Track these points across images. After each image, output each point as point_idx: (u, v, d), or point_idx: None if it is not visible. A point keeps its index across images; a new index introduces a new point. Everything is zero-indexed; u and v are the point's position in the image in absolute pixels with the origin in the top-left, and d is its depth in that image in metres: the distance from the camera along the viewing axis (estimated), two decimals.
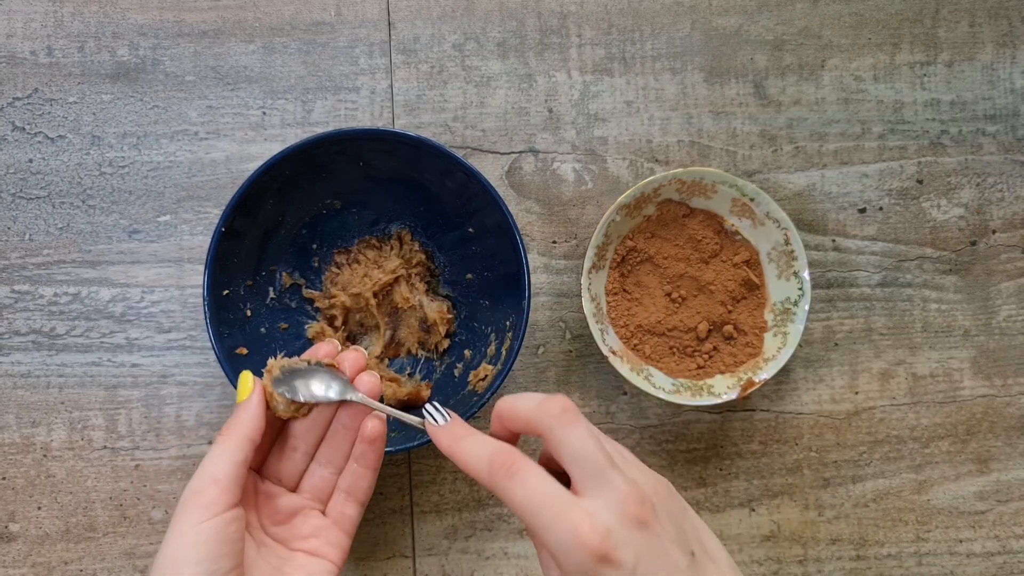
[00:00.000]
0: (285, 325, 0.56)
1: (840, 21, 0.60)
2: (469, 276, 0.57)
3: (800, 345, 0.58)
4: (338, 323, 0.56)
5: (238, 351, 0.51)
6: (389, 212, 0.57)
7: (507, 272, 0.52)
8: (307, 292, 0.57)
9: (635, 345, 0.56)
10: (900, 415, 0.59)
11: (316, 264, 0.57)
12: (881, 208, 0.60)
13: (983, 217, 0.60)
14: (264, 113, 0.58)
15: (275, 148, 0.57)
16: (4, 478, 0.55)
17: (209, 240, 0.49)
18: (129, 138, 0.57)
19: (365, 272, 0.56)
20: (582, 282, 0.54)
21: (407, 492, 0.56)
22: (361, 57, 0.58)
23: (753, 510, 0.58)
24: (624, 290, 0.57)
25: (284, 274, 0.56)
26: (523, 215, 0.58)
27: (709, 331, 0.57)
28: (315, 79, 0.58)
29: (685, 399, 0.54)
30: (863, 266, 0.59)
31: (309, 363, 0.43)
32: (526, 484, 0.34)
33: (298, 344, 0.56)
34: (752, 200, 0.55)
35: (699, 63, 0.59)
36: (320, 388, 0.42)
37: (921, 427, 0.59)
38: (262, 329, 0.54)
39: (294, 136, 0.58)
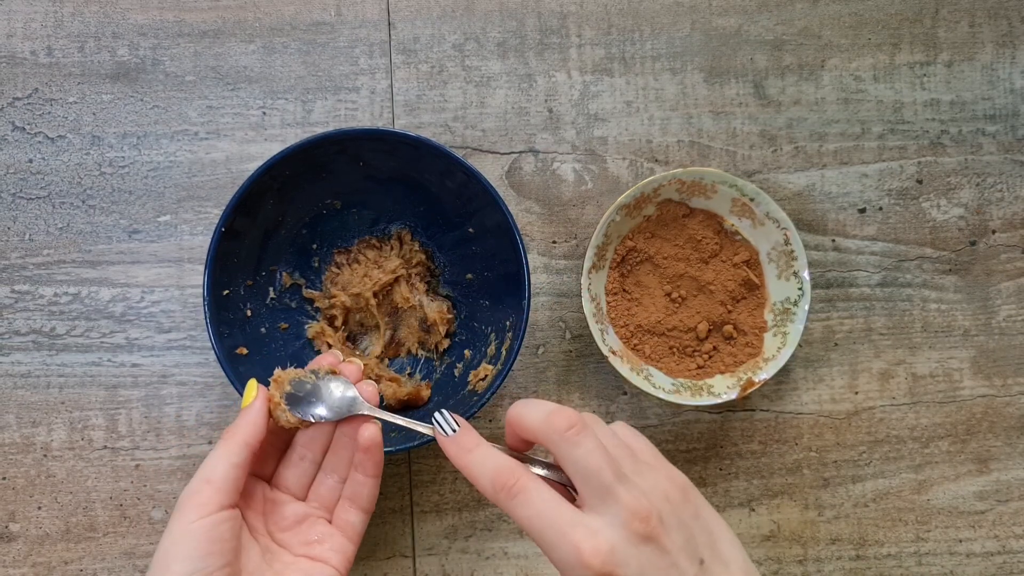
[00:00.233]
0: (285, 325, 0.56)
1: (840, 21, 0.60)
2: (469, 276, 0.57)
3: (800, 345, 0.58)
4: (338, 323, 0.56)
5: (238, 351, 0.51)
6: (389, 212, 0.57)
7: (507, 272, 0.52)
8: (307, 292, 0.57)
9: (635, 345, 0.56)
10: (900, 415, 0.59)
11: (316, 264, 0.57)
12: (881, 208, 0.60)
13: (983, 217, 0.60)
14: (264, 113, 0.58)
15: (275, 148, 0.57)
16: (4, 478, 0.55)
17: (209, 240, 0.49)
18: (129, 138, 0.57)
19: (365, 272, 0.56)
20: (582, 282, 0.54)
21: (407, 492, 0.57)
22: (361, 57, 0.58)
23: (753, 510, 0.58)
24: (624, 290, 0.57)
25: (284, 274, 0.56)
26: (523, 215, 0.58)
27: (709, 331, 0.57)
28: (315, 79, 0.58)
29: (685, 399, 0.54)
30: (863, 266, 0.59)
31: (316, 375, 0.44)
32: (529, 504, 0.34)
33: (298, 344, 0.56)
34: (752, 200, 0.55)
35: (699, 63, 0.59)
36: (326, 408, 0.43)
37: (921, 427, 0.59)
38: (262, 329, 0.54)
39: (294, 136, 0.58)
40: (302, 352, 0.56)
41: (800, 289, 0.55)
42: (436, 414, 0.40)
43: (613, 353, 0.54)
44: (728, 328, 0.57)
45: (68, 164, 0.57)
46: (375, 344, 0.56)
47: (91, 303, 0.56)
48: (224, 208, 0.49)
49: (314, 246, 0.57)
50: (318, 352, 0.56)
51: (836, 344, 0.59)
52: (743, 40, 0.60)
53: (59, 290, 0.56)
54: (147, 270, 0.57)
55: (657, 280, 0.57)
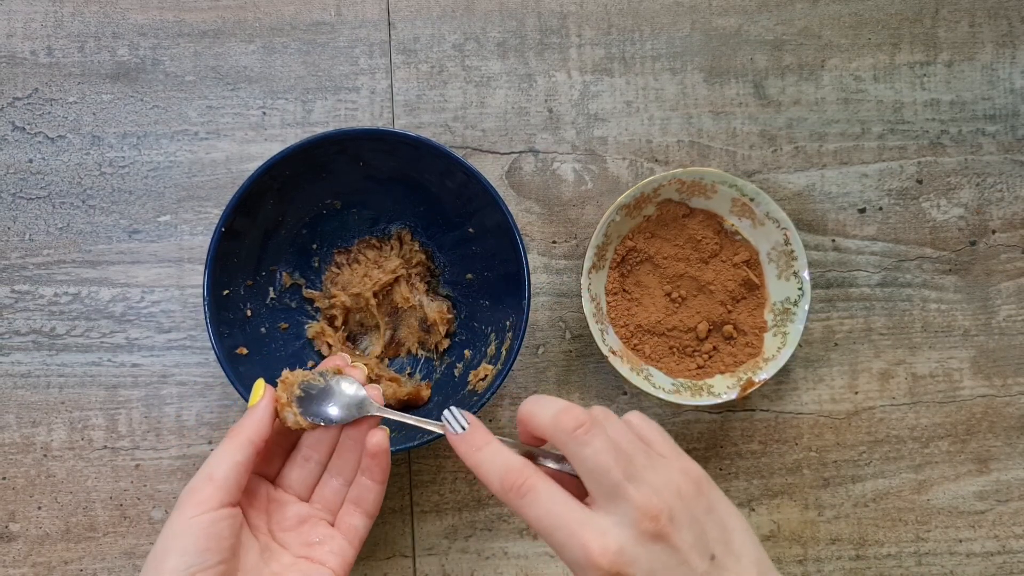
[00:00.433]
0: (285, 325, 0.56)
1: (840, 21, 0.60)
2: (469, 276, 0.57)
3: (800, 345, 0.58)
4: (338, 323, 0.56)
5: (238, 351, 0.51)
6: (389, 212, 0.57)
7: (507, 272, 0.52)
8: (307, 292, 0.57)
9: (635, 345, 0.56)
10: (900, 415, 0.59)
11: (316, 264, 0.57)
12: (881, 208, 0.60)
13: (983, 217, 0.60)
14: (264, 113, 0.58)
15: (275, 148, 0.57)
16: (4, 478, 0.55)
17: (209, 240, 0.49)
18: (129, 138, 0.57)
19: (365, 272, 0.56)
20: (582, 282, 0.54)
21: (407, 492, 0.57)
22: (361, 57, 0.58)
23: (753, 510, 0.58)
24: (624, 290, 0.57)
25: (284, 274, 0.56)
26: (523, 215, 0.58)
27: (709, 331, 0.57)
28: (315, 79, 0.58)
29: (685, 399, 0.54)
30: (863, 266, 0.59)
31: (325, 376, 0.44)
32: (537, 504, 0.34)
33: (298, 344, 0.56)
34: (752, 200, 0.55)
35: (699, 63, 0.59)
36: (338, 408, 0.43)
37: (921, 427, 0.59)
38: (262, 329, 0.54)
39: (294, 136, 0.58)
40: (302, 352, 0.56)
41: (800, 289, 0.55)
42: (446, 411, 0.40)
43: (613, 353, 0.54)
44: (728, 328, 0.57)
45: (68, 164, 0.57)
46: (375, 344, 0.56)
47: (91, 303, 0.56)
48: (224, 208, 0.49)
49: (314, 246, 0.57)
50: (318, 352, 0.56)
51: (836, 344, 0.59)
52: (743, 40, 0.60)
53: (59, 290, 0.56)
54: (147, 270, 0.57)
55: (657, 280, 0.57)
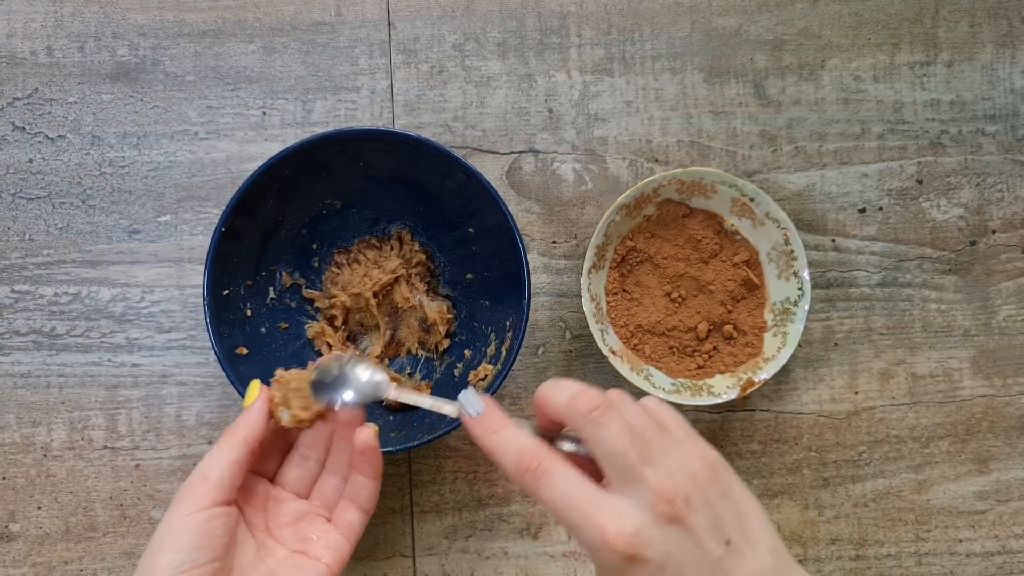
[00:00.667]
0: (285, 325, 0.56)
1: (840, 21, 0.60)
2: (469, 276, 0.57)
3: (800, 345, 0.58)
4: (338, 323, 0.56)
5: (238, 351, 0.51)
6: (389, 212, 0.57)
7: (507, 272, 0.52)
8: (307, 292, 0.57)
9: (635, 345, 0.56)
10: (900, 415, 0.59)
11: (316, 264, 0.57)
12: (881, 208, 0.60)
13: (983, 217, 0.60)
14: (264, 113, 0.58)
15: (275, 148, 0.56)
16: (4, 478, 0.55)
17: (209, 240, 0.49)
18: (129, 138, 0.57)
19: (365, 272, 0.56)
20: (582, 282, 0.54)
21: (407, 492, 0.57)
22: (361, 57, 0.58)
23: None
24: (624, 290, 0.57)
25: (284, 274, 0.56)
26: (523, 215, 0.58)
27: (709, 331, 0.57)
28: (315, 79, 0.58)
29: (685, 399, 0.54)
30: (863, 266, 0.59)
31: (341, 360, 0.44)
32: (553, 486, 0.34)
33: (298, 344, 0.56)
34: (752, 200, 0.55)
35: (699, 63, 0.59)
36: (353, 392, 0.43)
37: (921, 427, 0.59)
38: (262, 329, 0.54)
39: (294, 136, 0.58)
40: (302, 352, 0.56)
41: (800, 289, 0.55)
42: (462, 393, 0.40)
43: (613, 353, 0.54)
44: (728, 328, 0.57)
45: (68, 164, 0.57)
46: (375, 344, 0.56)
47: (91, 303, 0.56)
48: (224, 208, 0.49)
49: (314, 246, 0.57)
50: (318, 352, 0.56)
51: (836, 344, 0.59)
52: (743, 40, 0.60)
53: (59, 290, 0.56)
54: (147, 270, 0.57)
55: (657, 280, 0.57)
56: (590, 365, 0.58)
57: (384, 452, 0.49)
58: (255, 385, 0.44)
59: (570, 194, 0.59)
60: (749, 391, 0.55)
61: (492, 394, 0.50)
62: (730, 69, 0.60)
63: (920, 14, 0.60)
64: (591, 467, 0.36)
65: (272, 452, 0.45)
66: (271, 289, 0.55)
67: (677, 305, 0.57)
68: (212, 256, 0.49)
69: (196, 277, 0.57)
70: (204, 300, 0.49)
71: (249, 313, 0.53)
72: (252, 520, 0.43)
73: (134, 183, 0.57)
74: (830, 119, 0.60)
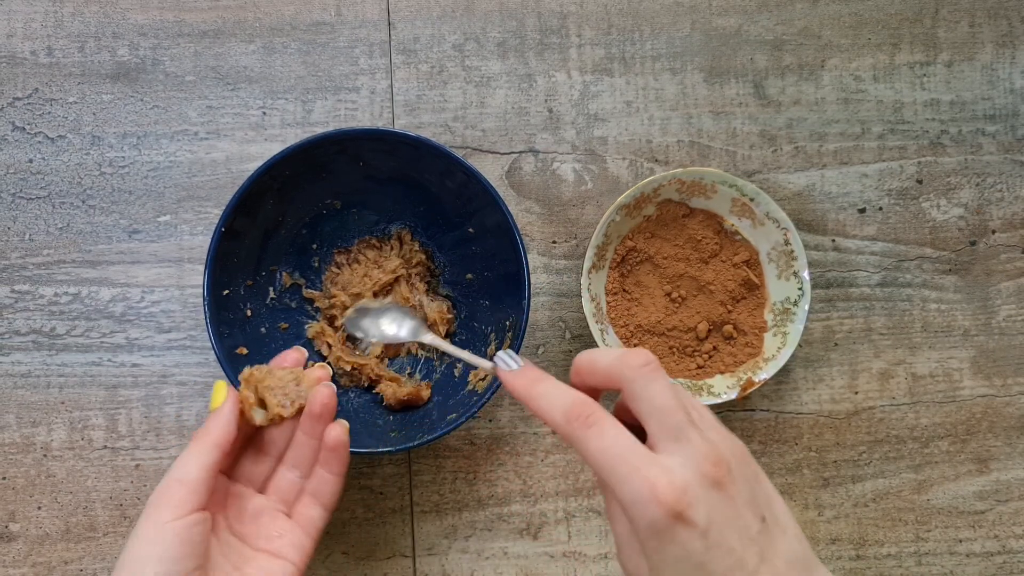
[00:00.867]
0: (285, 325, 0.56)
1: (840, 21, 0.60)
2: (469, 276, 0.57)
3: (800, 345, 0.58)
4: (338, 323, 0.56)
5: (238, 351, 0.51)
6: (389, 212, 0.57)
7: (507, 272, 0.52)
8: (307, 292, 0.57)
9: (635, 345, 0.56)
10: (900, 415, 0.59)
11: (316, 264, 0.57)
12: (881, 208, 0.60)
13: (983, 217, 0.60)
14: (264, 113, 0.58)
15: (275, 148, 0.57)
16: (4, 478, 0.55)
17: (209, 240, 0.49)
18: (129, 138, 0.57)
19: (365, 272, 0.56)
20: (582, 282, 0.54)
21: (407, 492, 0.57)
22: (361, 57, 0.58)
23: None
24: (624, 290, 0.57)
25: (284, 274, 0.56)
26: (523, 215, 0.58)
27: (709, 331, 0.57)
28: (315, 79, 0.58)
29: None
30: (863, 266, 0.59)
31: (380, 302, 0.44)
32: (603, 436, 0.33)
33: (298, 344, 0.56)
34: (752, 200, 0.55)
35: (699, 63, 0.59)
36: (391, 327, 0.43)
37: (921, 427, 0.59)
38: (262, 329, 0.54)
39: (294, 136, 0.58)
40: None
41: (800, 289, 0.55)
42: (499, 352, 0.39)
43: None
44: (728, 328, 0.57)
45: (68, 164, 0.57)
46: (375, 344, 0.56)
47: (91, 303, 0.56)
48: (224, 208, 0.49)
49: (314, 246, 0.57)
50: (318, 352, 0.56)
51: (836, 344, 0.59)
52: (743, 40, 0.60)
53: (59, 290, 0.56)
54: (147, 270, 0.57)
55: (657, 280, 0.57)
56: None
57: (384, 452, 0.49)
58: (221, 387, 0.43)
59: (570, 194, 0.59)
60: (749, 391, 0.55)
61: (491, 394, 0.50)
62: (730, 69, 0.60)
63: (920, 14, 0.60)
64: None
65: (233, 448, 0.45)
66: (271, 289, 0.55)
67: (677, 305, 0.57)
68: (212, 256, 0.49)
69: (196, 277, 0.57)
70: (204, 300, 0.49)
71: (249, 313, 0.53)
72: (215, 518, 0.43)
73: (134, 183, 0.57)
74: (830, 119, 0.60)
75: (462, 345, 0.56)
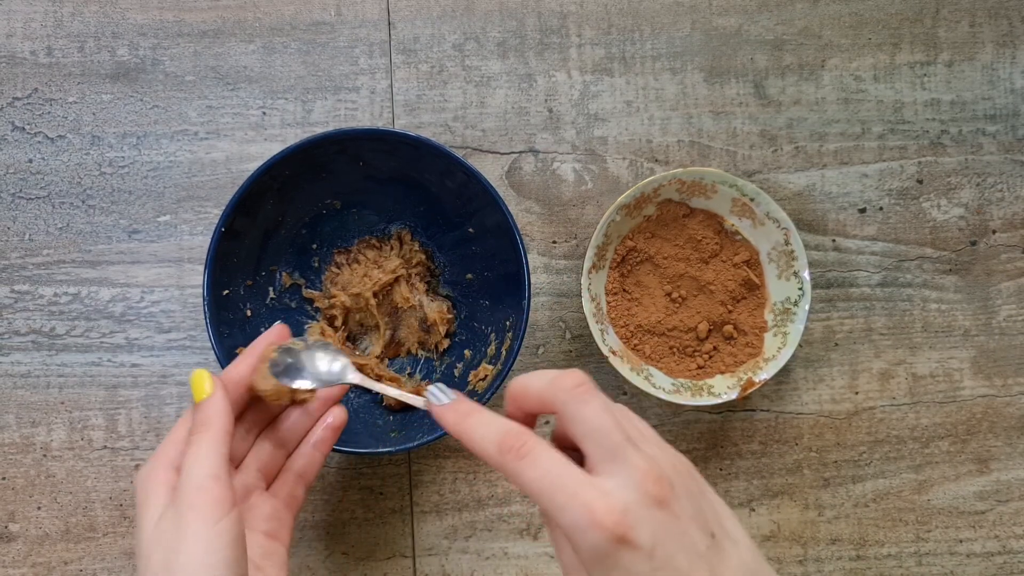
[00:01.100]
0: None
1: (840, 21, 0.60)
2: (469, 276, 0.57)
3: (800, 345, 0.58)
4: (338, 323, 0.56)
5: (238, 351, 0.51)
6: (389, 212, 0.57)
7: (507, 272, 0.52)
8: (307, 292, 0.57)
9: (635, 345, 0.56)
10: (900, 415, 0.59)
11: (316, 264, 0.57)
12: (881, 208, 0.60)
13: (983, 217, 0.60)
14: (264, 113, 0.58)
15: (275, 148, 0.56)
16: (4, 478, 0.55)
17: (209, 240, 0.49)
18: (129, 138, 0.57)
19: (365, 272, 0.56)
20: (582, 282, 0.54)
21: (407, 492, 0.56)
22: (361, 57, 0.58)
23: (753, 510, 0.58)
24: (624, 290, 0.57)
25: (284, 274, 0.56)
26: (523, 215, 0.58)
27: (709, 331, 0.57)
28: (315, 79, 0.58)
29: (685, 399, 0.54)
30: (863, 266, 0.59)
31: (306, 341, 0.43)
32: (537, 464, 0.32)
33: None
34: (752, 200, 0.55)
35: (699, 63, 0.59)
36: (313, 378, 0.42)
37: (921, 427, 0.59)
38: (262, 329, 0.54)
39: (294, 136, 0.58)
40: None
41: (800, 289, 0.55)
42: (430, 386, 0.38)
43: (613, 353, 0.54)
44: (728, 328, 0.57)
45: (68, 164, 0.57)
46: (375, 344, 0.56)
47: (91, 303, 0.56)
48: (224, 208, 0.49)
49: (314, 246, 0.57)
50: None
51: (836, 344, 0.59)
52: (743, 40, 0.60)
53: (59, 290, 0.56)
54: (147, 270, 0.57)
55: (657, 280, 0.57)
56: (590, 365, 0.58)
57: (384, 452, 0.49)
58: (203, 376, 0.40)
59: (570, 194, 0.59)
60: (749, 391, 0.55)
61: (492, 394, 0.50)
62: (730, 69, 0.60)
63: (920, 14, 0.60)
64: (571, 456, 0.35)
65: None
66: (271, 289, 0.55)
67: (677, 305, 0.57)
68: (212, 256, 0.49)
69: (196, 277, 0.57)
70: (204, 300, 0.49)
71: (249, 313, 0.53)
72: None
73: (134, 183, 0.57)
74: (830, 119, 0.60)
75: (462, 345, 0.56)
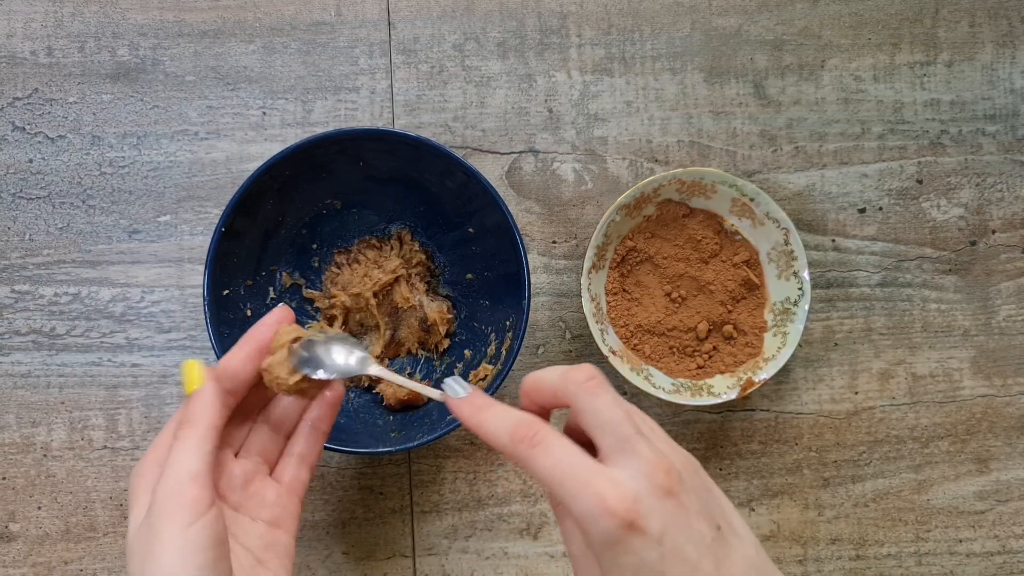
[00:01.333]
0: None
1: (840, 21, 0.60)
2: (469, 276, 0.57)
3: (800, 345, 0.58)
4: (338, 323, 0.56)
5: None
6: (389, 212, 0.57)
7: (507, 272, 0.52)
8: (307, 292, 0.57)
9: (635, 345, 0.56)
10: (900, 415, 0.59)
11: (316, 264, 0.57)
12: (881, 208, 0.60)
13: (983, 217, 0.60)
14: (264, 113, 0.58)
15: (275, 148, 0.57)
16: (4, 478, 0.55)
17: (209, 240, 0.49)
18: (129, 138, 0.57)
19: (365, 272, 0.56)
20: (582, 282, 0.54)
21: (407, 492, 0.57)
22: (361, 57, 0.58)
23: (753, 510, 0.58)
24: (624, 290, 0.57)
25: (284, 274, 0.56)
26: (523, 215, 0.58)
27: (709, 331, 0.57)
28: (315, 79, 0.58)
29: (685, 399, 0.54)
30: (863, 266, 0.59)
31: (326, 334, 0.42)
32: (550, 453, 0.33)
33: None
34: (752, 200, 0.55)
35: (699, 63, 0.59)
36: (341, 357, 0.41)
37: (921, 427, 0.59)
38: None
39: (294, 136, 0.58)
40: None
41: (800, 289, 0.55)
42: (447, 379, 0.39)
43: (613, 353, 0.54)
44: (728, 328, 0.57)
45: (68, 164, 0.57)
46: (375, 344, 0.56)
47: (91, 303, 0.56)
48: (224, 208, 0.49)
49: (314, 246, 0.57)
50: None
51: (836, 344, 0.59)
52: (743, 40, 0.60)
53: (59, 290, 0.56)
54: (147, 270, 0.57)
55: (657, 280, 0.57)
56: None
57: (384, 452, 0.49)
58: (194, 366, 0.40)
59: (570, 194, 0.59)
60: (749, 391, 0.55)
61: (492, 394, 0.50)
62: (730, 69, 0.60)
63: (920, 14, 0.60)
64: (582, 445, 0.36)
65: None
66: (271, 289, 0.55)
67: (677, 305, 0.57)
68: (212, 256, 0.49)
69: (196, 277, 0.57)
70: (204, 300, 0.49)
71: (249, 313, 0.53)
72: None
73: (134, 183, 0.57)
74: (830, 119, 0.60)
75: (462, 345, 0.56)
